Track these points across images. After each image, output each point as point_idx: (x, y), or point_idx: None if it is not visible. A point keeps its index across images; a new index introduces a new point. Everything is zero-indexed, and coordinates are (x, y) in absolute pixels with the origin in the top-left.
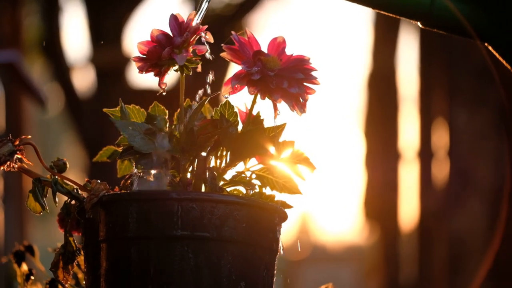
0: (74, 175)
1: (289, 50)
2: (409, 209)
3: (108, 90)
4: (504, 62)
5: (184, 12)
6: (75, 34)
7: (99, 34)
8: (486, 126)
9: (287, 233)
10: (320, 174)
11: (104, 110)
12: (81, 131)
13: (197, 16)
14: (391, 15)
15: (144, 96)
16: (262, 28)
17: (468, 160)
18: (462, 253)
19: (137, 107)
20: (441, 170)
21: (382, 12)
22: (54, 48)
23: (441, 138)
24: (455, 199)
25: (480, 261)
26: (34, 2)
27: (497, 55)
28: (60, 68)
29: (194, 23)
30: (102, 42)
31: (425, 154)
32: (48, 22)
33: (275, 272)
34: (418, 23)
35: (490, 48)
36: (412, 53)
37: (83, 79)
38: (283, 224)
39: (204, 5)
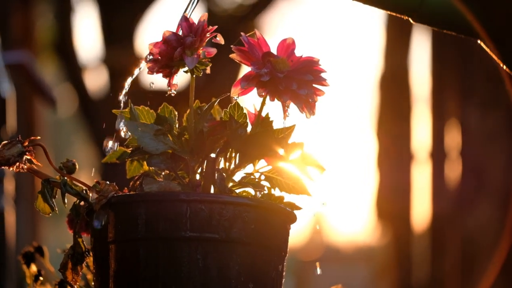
0: (87, 176)
1: (300, 51)
2: (421, 209)
3: (120, 91)
4: (496, 58)
5: (196, 12)
6: (87, 35)
7: (111, 34)
8: (498, 127)
9: (300, 234)
10: (332, 175)
11: (114, 111)
12: (94, 131)
13: (189, 8)
14: (382, 10)
15: (157, 97)
16: (275, 29)
17: (480, 161)
18: (474, 254)
19: (146, 108)
20: (454, 171)
21: (373, 7)
22: (66, 48)
23: (453, 138)
24: (468, 200)
25: (492, 262)
26: (46, 2)
27: (488, 51)
28: (72, 69)
29: (188, 15)
30: (114, 45)
31: (438, 155)
32: (60, 23)
33: (285, 273)
34: (409, 19)
35: (482, 44)
36: (424, 53)
37: (96, 80)
38: (295, 225)
39: (193, 2)
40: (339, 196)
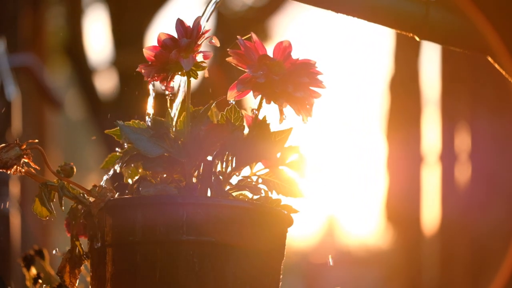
0: (97, 179)
1: (301, 54)
2: (431, 213)
3: (131, 94)
4: (504, 73)
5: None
6: (97, 37)
7: (121, 37)
8: (508, 130)
9: (311, 236)
10: (343, 178)
11: (106, 132)
12: (104, 134)
13: (203, 18)
14: (387, 28)
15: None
16: (285, 31)
17: (490, 164)
18: (484, 257)
19: (137, 121)
20: (464, 173)
21: (379, 25)
22: (76, 51)
23: (463, 141)
24: (477, 203)
25: (502, 264)
26: (56, 5)
27: (497, 66)
28: (82, 72)
29: (202, 25)
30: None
31: (448, 158)
32: (70, 26)
33: (281, 276)
34: (415, 36)
35: (490, 60)
36: (434, 56)
37: (106, 83)
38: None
39: (211, 8)
40: (351, 198)
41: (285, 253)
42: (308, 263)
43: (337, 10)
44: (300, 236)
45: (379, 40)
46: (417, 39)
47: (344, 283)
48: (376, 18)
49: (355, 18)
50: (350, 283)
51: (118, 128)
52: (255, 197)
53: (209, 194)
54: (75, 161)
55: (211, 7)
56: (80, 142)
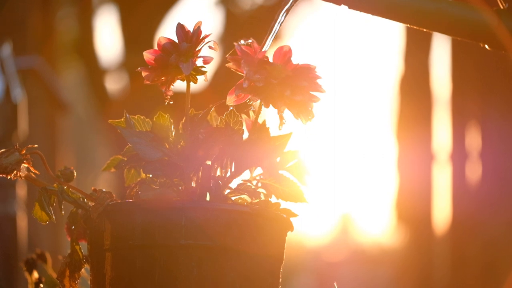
0: (106, 180)
1: (302, 59)
2: (442, 211)
3: (141, 94)
4: None
5: (214, 16)
6: (108, 38)
7: (132, 38)
8: None
9: (324, 235)
10: (354, 177)
11: (109, 121)
12: (114, 136)
13: (268, 40)
14: (457, 38)
15: (176, 99)
16: (295, 30)
17: (501, 162)
18: (496, 255)
19: (142, 117)
20: (475, 172)
21: (449, 36)
22: (86, 52)
23: (474, 140)
24: (489, 201)
25: None
26: (66, 6)
27: None
28: (92, 73)
29: (264, 48)
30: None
31: (458, 156)
32: (81, 26)
33: (280, 280)
34: (486, 46)
35: None
36: (445, 55)
37: (116, 83)
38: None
39: (276, 28)
40: (363, 197)
41: (284, 257)
42: (322, 261)
43: (408, 22)
44: (314, 235)
45: (389, 40)
46: (488, 48)
47: (357, 282)
48: (449, 29)
49: (424, 29)
50: (363, 281)
51: (123, 119)
52: (254, 201)
53: (208, 198)
54: (85, 163)
55: (277, 26)
56: (90, 143)
